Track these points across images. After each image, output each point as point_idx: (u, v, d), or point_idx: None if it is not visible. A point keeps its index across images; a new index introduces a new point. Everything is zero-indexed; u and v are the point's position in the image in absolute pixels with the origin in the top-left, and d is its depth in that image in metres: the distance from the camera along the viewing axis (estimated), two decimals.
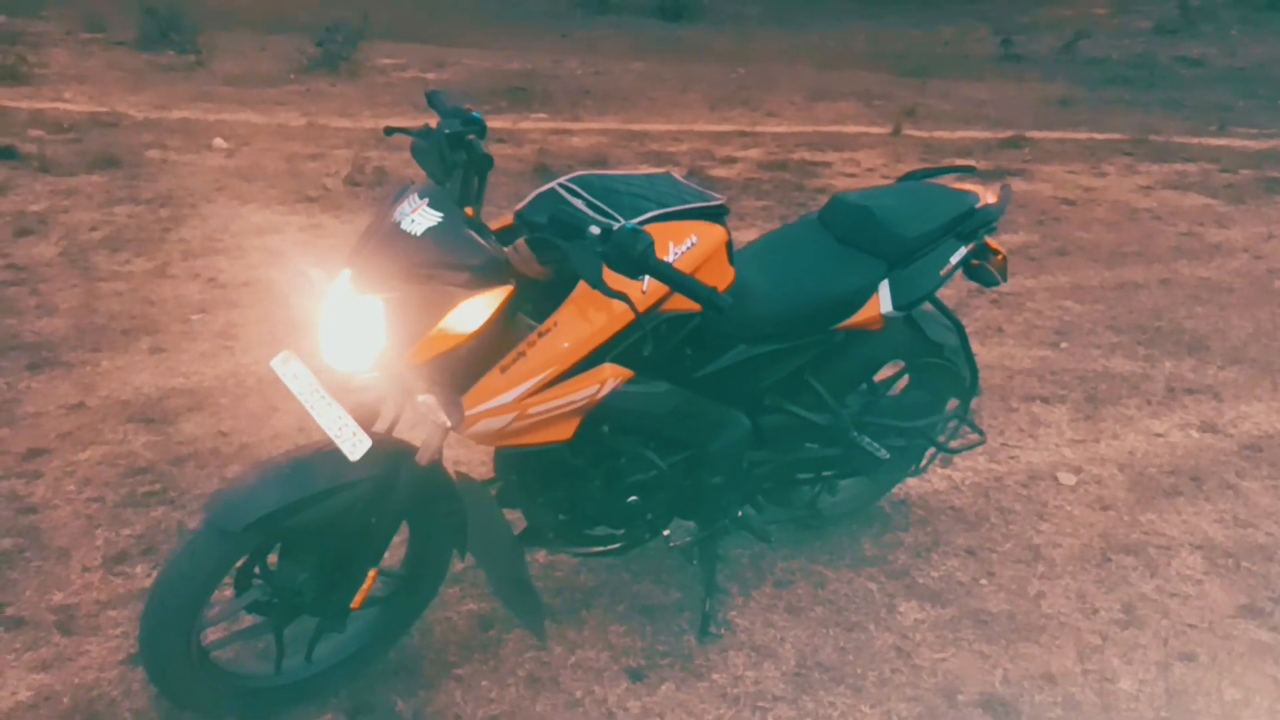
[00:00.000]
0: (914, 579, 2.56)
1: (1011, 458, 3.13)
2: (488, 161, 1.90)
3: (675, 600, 2.44)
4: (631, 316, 1.80)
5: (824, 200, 2.41)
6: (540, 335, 1.78)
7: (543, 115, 8.80)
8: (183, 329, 3.87)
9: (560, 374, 1.81)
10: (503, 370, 1.78)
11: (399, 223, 1.74)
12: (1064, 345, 3.96)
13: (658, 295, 1.88)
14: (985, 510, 2.86)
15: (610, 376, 1.86)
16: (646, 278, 1.74)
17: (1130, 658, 2.30)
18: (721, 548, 2.51)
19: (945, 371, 2.53)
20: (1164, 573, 2.61)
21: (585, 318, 1.81)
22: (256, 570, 1.91)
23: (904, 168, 6.75)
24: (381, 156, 6.47)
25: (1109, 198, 6.32)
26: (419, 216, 1.72)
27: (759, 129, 8.36)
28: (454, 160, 1.89)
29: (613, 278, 1.64)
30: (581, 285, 1.79)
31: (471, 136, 1.93)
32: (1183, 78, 12.26)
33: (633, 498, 2.13)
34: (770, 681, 2.21)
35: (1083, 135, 8.58)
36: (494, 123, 8.24)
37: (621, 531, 2.22)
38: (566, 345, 1.80)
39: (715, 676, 2.22)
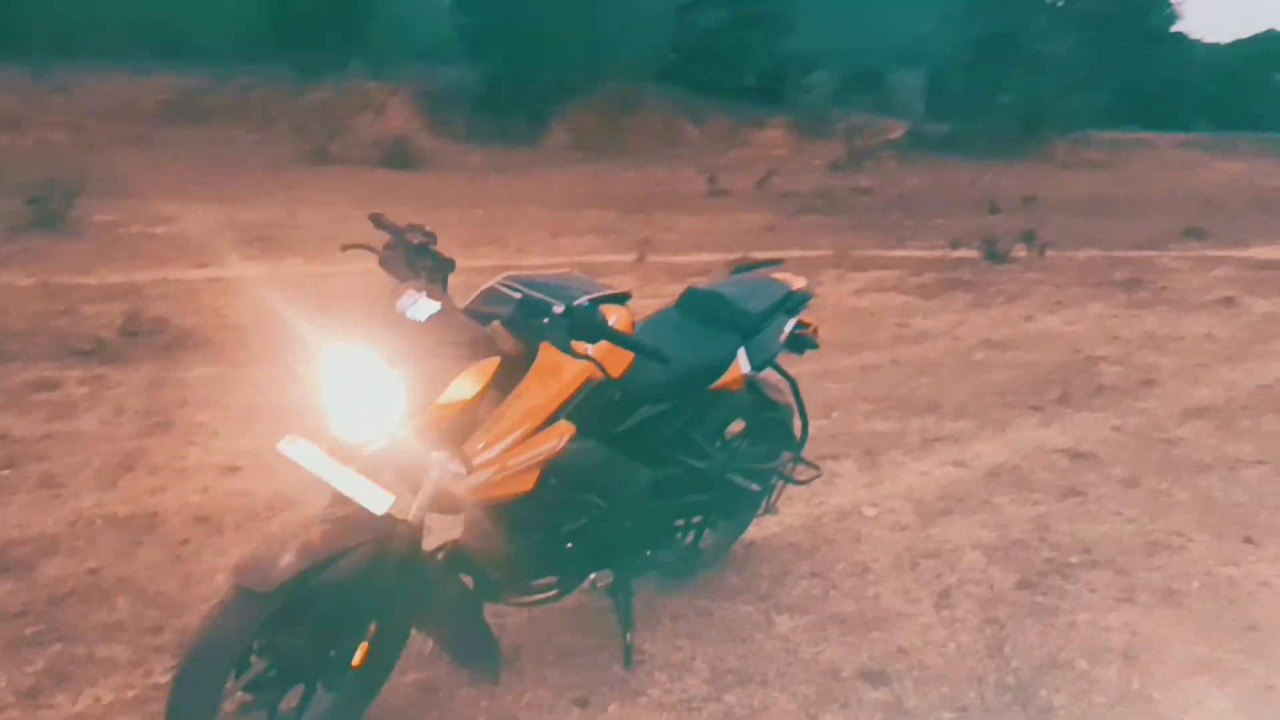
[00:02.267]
0: (779, 598, 3.06)
1: (821, 502, 3.76)
2: (450, 264, 2.28)
3: (592, 643, 2.77)
4: (582, 379, 2.24)
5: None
6: (516, 398, 2.16)
7: (299, 260, 8.92)
8: None
9: (532, 430, 2.18)
10: (488, 430, 2.13)
11: (404, 313, 2.08)
12: (835, 415, 4.74)
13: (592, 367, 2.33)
14: (815, 542, 3.44)
15: (565, 431, 2.26)
16: (590, 348, 2.19)
17: (954, 627, 2.92)
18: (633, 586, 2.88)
19: (780, 423, 3.12)
20: (958, 567, 3.29)
21: (549, 381, 2.21)
22: (255, 646, 2.07)
23: (654, 288, 7.63)
24: (155, 306, 6.38)
25: (831, 302, 7.46)
26: (420, 307, 2.08)
27: (515, 263, 8.98)
28: (420, 265, 2.26)
29: (575, 346, 2.08)
30: (542, 355, 2.20)
31: (430, 245, 2.31)
32: (859, 204, 14.45)
33: (569, 544, 2.49)
34: (695, 688, 2.59)
35: (795, 253, 9.94)
36: (248, 270, 8.28)
37: (555, 580, 2.56)
38: (537, 404, 2.18)
39: (650, 692, 2.57)
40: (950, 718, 2.50)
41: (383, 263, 2.32)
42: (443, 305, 2.09)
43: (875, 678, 2.66)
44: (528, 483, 2.26)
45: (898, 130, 23.65)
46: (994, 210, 13.17)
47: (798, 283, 3.09)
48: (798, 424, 3.15)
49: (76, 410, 4.56)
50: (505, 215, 11.99)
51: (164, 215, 10.58)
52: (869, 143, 21.28)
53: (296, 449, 2.10)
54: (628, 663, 2.67)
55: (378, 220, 2.46)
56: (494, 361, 2.10)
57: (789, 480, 3.12)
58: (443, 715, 2.48)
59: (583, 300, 2.29)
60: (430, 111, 21.26)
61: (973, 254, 9.76)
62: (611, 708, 2.51)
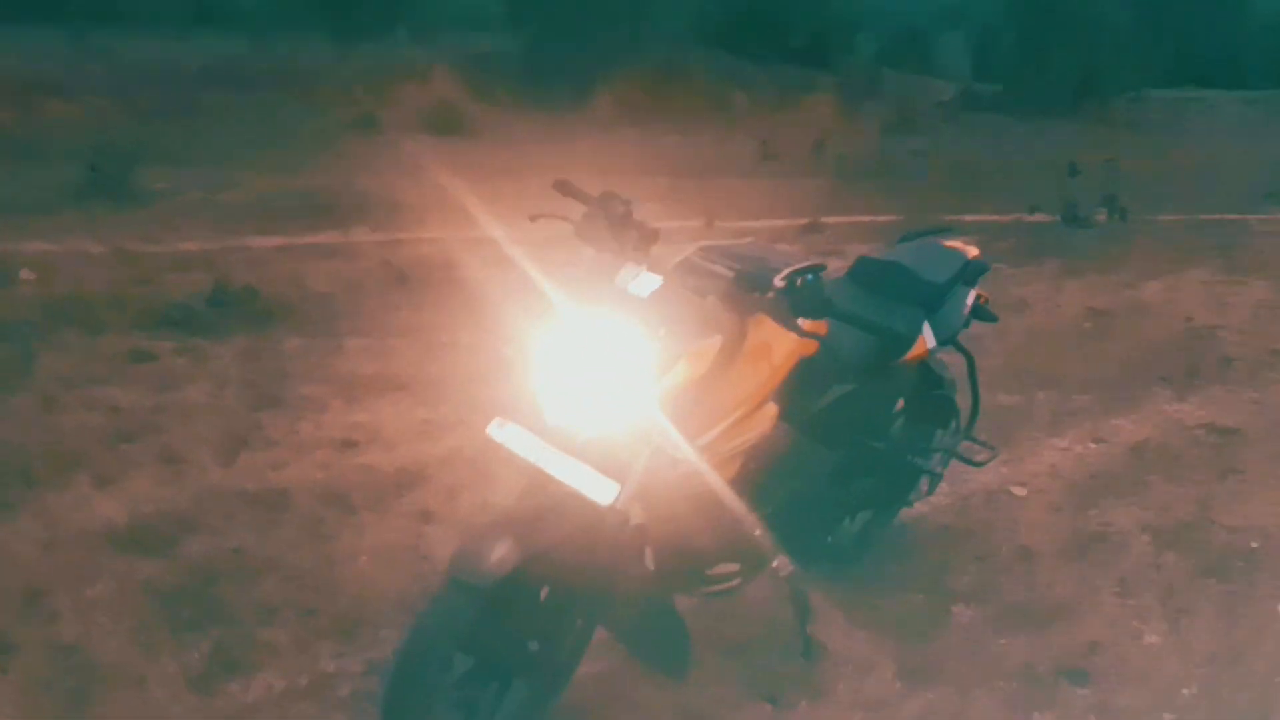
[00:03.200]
0: (949, 587, 2.91)
1: (965, 481, 3.58)
2: (655, 234, 2.13)
3: (761, 634, 2.64)
4: (795, 358, 2.08)
5: None
6: (731, 379, 2.01)
7: (365, 228, 8.80)
8: (116, 457, 3.64)
9: (749, 413, 2.03)
10: (705, 412, 1.98)
11: (626, 288, 1.93)
12: None
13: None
14: (970, 525, 3.28)
15: (772, 414, 2.11)
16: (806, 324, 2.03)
17: (1144, 618, 2.76)
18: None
19: (947, 400, 2.95)
20: (1130, 552, 3.12)
21: (761, 361, 2.06)
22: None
23: None
24: (236, 275, 6.28)
25: None
26: (642, 281, 1.93)
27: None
28: (623, 236, 2.11)
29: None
30: (754, 332, 2.04)
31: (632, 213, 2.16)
32: (917, 168, 14.09)
33: (757, 531, 2.34)
34: (885, 686, 2.46)
35: (865, 218, 9.71)
36: (318, 238, 8.20)
37: (737, 567, 2.42)
38: (752, 385, 2.03)
39: (838, 689, 2.44)
40: (1171, 718, 2.34)
41: (579, 233, 2.17)
42: (664, 281, 1.94)
43: (1075, 675, 2.50)
44: (731, 469, 2.11)
45: (947, 93, 23.10)
46: (1074, 173, 12.78)
47: (971, 251, 2.90)
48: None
49: (179, 382, 4.46)
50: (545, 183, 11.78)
51: (222, 182, 10.47)
52: (920, 105, 20.78)
53: (508, 433, 1.97)
54: (808, 653, 2.53)
55: (565, 187, 2.31)
56: (718, 340, 1.95)
57: (966, 461, 2.95)
58: (628, 710, 2.35)
59: (788, 272, 2.13)
60: (474, 79, 20.97)
61: (1051, 218, 9.46)
62: (802, 706, 2.38)
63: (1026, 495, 3.50)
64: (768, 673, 2.48)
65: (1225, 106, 24.69)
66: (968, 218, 9.80)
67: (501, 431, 1.98)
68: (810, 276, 1.92)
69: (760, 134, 16.09)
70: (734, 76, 23.42)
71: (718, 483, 2.09)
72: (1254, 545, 3.14)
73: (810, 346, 2.15)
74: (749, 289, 1.93)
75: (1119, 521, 3.30)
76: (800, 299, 1.90)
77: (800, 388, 2.26)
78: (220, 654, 2.49)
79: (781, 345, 2.09)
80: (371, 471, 3.68)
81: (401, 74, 20.05)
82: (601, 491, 1.85)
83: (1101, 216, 9.53)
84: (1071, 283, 6.95)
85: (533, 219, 2.36)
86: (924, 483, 3.02)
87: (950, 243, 2.95)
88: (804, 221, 9.16)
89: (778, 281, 1.92)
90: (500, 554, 1.84)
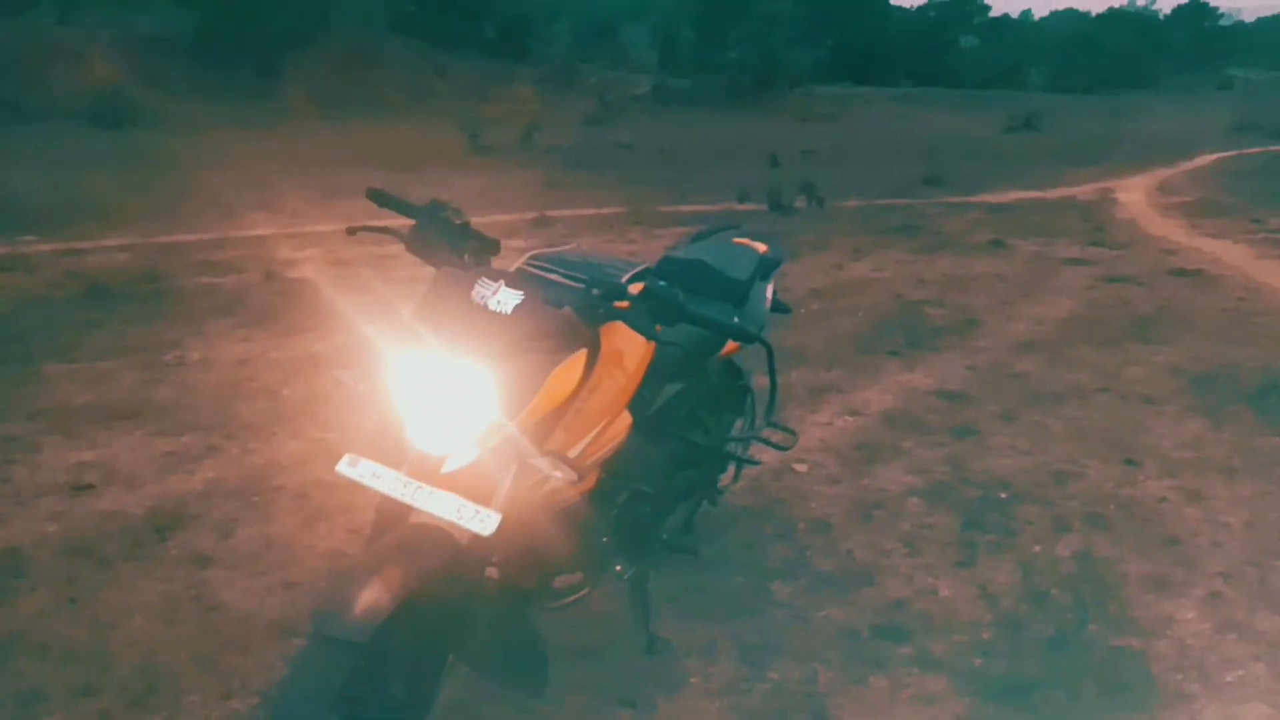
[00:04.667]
0: (762, 565, 3.03)
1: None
2: (496, 245, 2.00)
3: (607, 638, 2.61)
4: (646, 365, 2.06)
5: None
6: (591, 390, 1.94)
7: (33, 237, 7.71)
8: None
9: (609, 423, 1.98)
10: (566, 429, 1.90)
11: (484, 304, 1.79)
12: None
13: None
14: (766, 503, 3.44)
15: (628, 423, 2.08)
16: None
17: (933, 574, 3.03)
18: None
19: (748, 390, 3.07)
20: (908, 513, 3.41)
21: (615, 370, 2.01)
22: None
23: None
24: None
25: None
26: (502, 296, 1.80)
27: (298, 230, 8.25)
28: (463, 247, 1.97)
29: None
30: (605, 342, 1.99)
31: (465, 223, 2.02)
32: (626, 159, 14.58)
33: (605, 539, 2.31)
34: (731, 670, 2.51)
35: (590, 211, 9.88)
36: None
37: (582, 576, 2.37)
38: (610, 396, 1.98)
39: (691, 681, 2.46)
40: (981, 662, 2.58)
41: (411, 247, 2.00)
42: (526, 295, 1.83)
43: (894, 633, 2.70)
44: (593, 479, 2.06)
45: (642, 85, 24.07)
46: (775, 163, 13.70)
47: (761, 247, 3.02)
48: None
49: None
50: (259, 177, 10.98)
51: None
52: (618, 97, 21.48)
53: (364, 470, 1.77)
54: (654, 650, 2.54)
55: (381, 198, 2.13)
56: (584, 354, 1.88)
57: (773, 446, 3.07)
58: None
59: (632, 274, 2.11)
60: (139, 63, 18.98)
61: (758, 206, 10.14)
62: (660, 703, 2.38)
63: (807, 470, 3.72)
64: (621, 676, 2.45)
65: (877, 100, 27.74)
66: (684, 207, 10.27)
67: (355, 469, 1.78)
68: (663, 283, 1.90)
69: (466, 124, 15.86)
70: (431, 65, 22.97)
71: (579, 496, 2.03)
72: (1003, 496, 3.54)
73: (651, 354, 2.15)
74: (606, 298, 1.88)
75: (890, 487, 3.60)
76: (658, 305, 1.87)
77: (642, 390, 2.25)
78: None
79: (633, 352, 2.07)
80: (117, 517, 3.24)
81: (48, 54, 17.74)
82: (483, 523, 1.72)
83: (801, 203, 10.32)
84: (788, 266, 7.46)
85: (351, 232, 2.16)
86: (730, 469, 3.12)
87: (741, 240, 3.05)
88: (532, 216, 9.15)
89: (633, 290, 1.88)
90: (370, 602, 1.67)
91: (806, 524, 3.31)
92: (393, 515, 1.88)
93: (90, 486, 3.46)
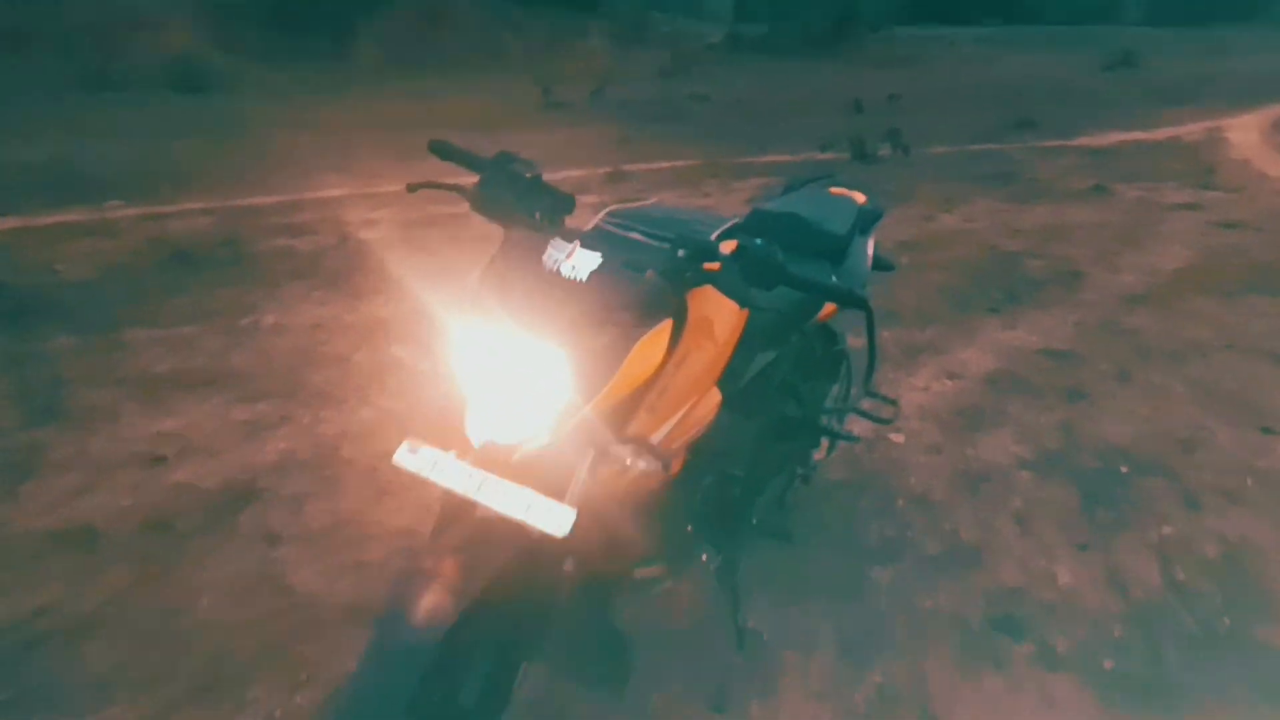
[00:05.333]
0: (859, 545, 2.80)
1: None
2: (570, 201, 1.79)
3: (693, 632, 2.42)
4: (738, 335, 1.83)
5: None
6: (678, 364, 1.73)
7: (119, 202, 7.76)
8: None
9: (698, 401, 1.77)
10: (650, 410, 1.70)
11: (557, 270, 1.58)
12: None
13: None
14: (861, 477, 3.20)
15: (718, 401, 1.86)
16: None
17: (1052, 558, 2.76)
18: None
19: (845, 356, 2.82)
20: (1018, 486, 3.14)
21: (705, 341, 1.78)
22: None
23: None
24: None
25: (732, 210, 7.18)
26: (577, 260, 1.59)
27: (373, 191, 8.17)
28: (534, 205, 1.76)
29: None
30: (692, 309, 1.77)
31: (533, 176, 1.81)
32: (702, 111, 14.17)
33: (690, 526, 2.11)
34: (831, 667, 2.30)
35: (665, 164, 9.58)
36: (67, 216, 7.18)
37: (664, 567, 2.18)
38: (699, 370, 1.76)
39: (786, 679, 2.26)
40: (1112, 664, 2.32)
41: (477, 205, 1.80)
42: (604, 258, 1.61)
43: (1010, 626, 2.45)
44: (679, 463, 1.86)
45: (715, 35, 23.44)
46: (858, 110, 13.19)
47: (859, 197, 2.75)
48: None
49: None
50: (335, 139, 10.95)
51: None
52: (691, 48, 20.96)
53: (422, 459, 1.59)
54: (740, 645, 2.35)
55: (444, 150, 1.93)
56: (669, 324, 1.66)
57: (873, 418, 2.82)
58: None
59: (723, 228, 1.87)
60: (217, 30, 19.17)
61: (841, 156, 9.72)
62: (753, 707, 2.18)
63: (904, 441, 3.46)
64: (709, 674, 2.27)
65: (961, 42, 26.56)
66: (763, 158, 9.91)
67: (414, 458, 1.60)
68: (759, 240, 1.66)
69: (540, 80, 15.66)
70: (502, 20, 22.69)
71: (662, 483, 1.83)
72: (1123, 468, 3.23)
73: (744, 322, 1.92)
74: (695, 259, 1.65)
75: (996, 458, 3.32)
76: (754, 266, 1.63)
77: (734, 362, 2.02)
78: None
79: (725, 320, 1.84)
80: (192, 490, 3.15)
81: (129, 22, 18.01)
82: (557, 521, 1.53)
83: (885, 151, 9.87)
84: None
85: (411, 190, 1.97)
86: (824, 443, 2.89)
87: (837, 190, 2.78)
88: (606, 170, 8.91)
89: (725, 250, 1.65)
90: (435, 606, 1.50)
91: (906, 499, 3.06)
92: (459, 506, 1.70)
93: (165, 459, 3.39)
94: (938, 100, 15.81)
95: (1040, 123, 12.31)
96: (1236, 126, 12.18)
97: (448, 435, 1.65)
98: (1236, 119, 12.84)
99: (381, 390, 3.94)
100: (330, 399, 3.89)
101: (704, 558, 2.25)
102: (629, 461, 1.60)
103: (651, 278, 1.62)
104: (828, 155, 9.77)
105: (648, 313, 1.61)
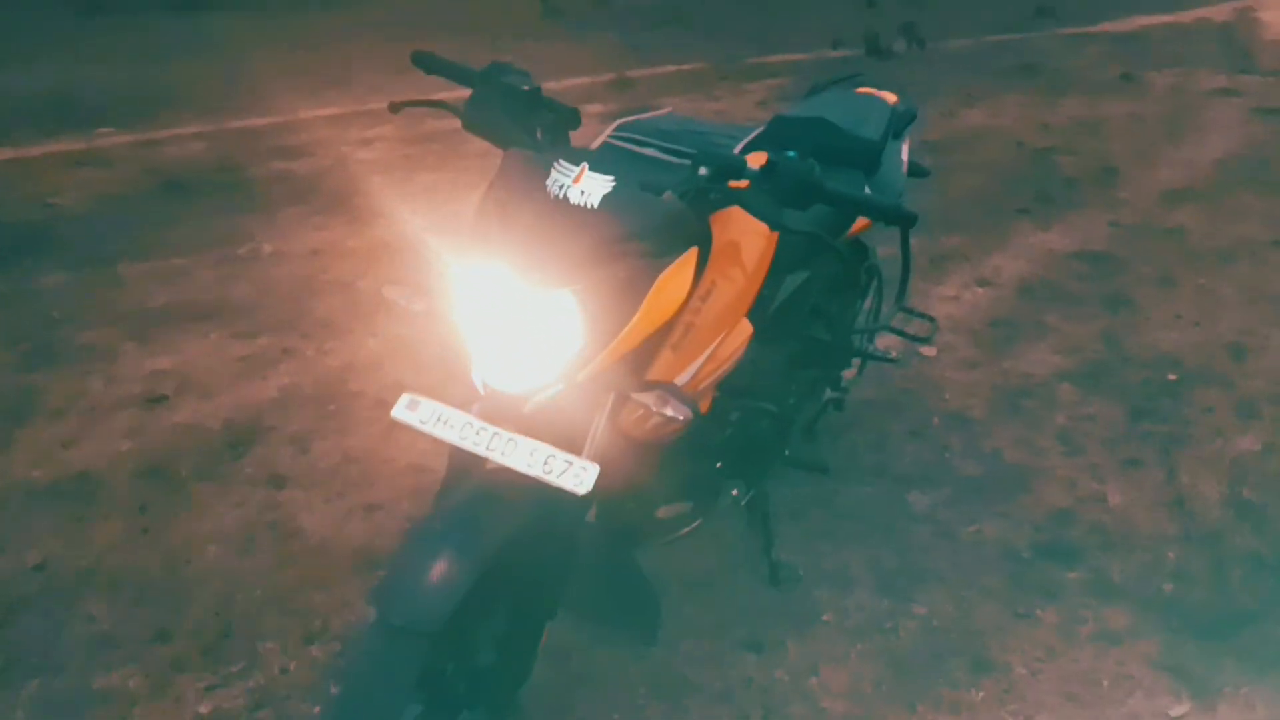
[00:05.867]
0: (895, 470, 2.65)
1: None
2: (575, 115, 1.59)
3: (726, 570, 2.29)
4: (769, 259, 1.64)
5: None
6: (703, 297, 1.54)
7: (109, 130, 7.51)
8: None
9: (725, 338, 1.59)
10: (674, 348, 1.52)
11: (564, 196, 1.39)
12: None
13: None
14: (893, 396, 3.04)
15: (748, 333, 1.68)
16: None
17: (1101, 477, 2.61)
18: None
19: (877, 271, 2.62)
20: (1061, 401, 2.97)
21: (731, 269, 1.60)
22: None
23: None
24: None
25: (750, 117, 6.88)
26: (586, 184, 1.39)
27: (369, 106, 7.87)
28: (536, 121, 1.56)
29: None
30: (717, 233, 1.57)
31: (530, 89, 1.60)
32: (706, 11, 13.59)
33: (719, 464, 1.96)
34: (869, 602, 2.18)
35: (671, 68, 9.21)
36: (55, 146, 6.95)
37: (690, 506, 2.03)
38: (728, 302, 1.58)
39: (824, 616, 2.14)
40: (1171, 588, 2.18)
41: (469, 123, 1.60)
42: (617, 180, 1.41)
43: (1061, 553, 2.31)
44: (707, 402, 1.69)
45: None
46: (870, 2, 12.63)
47: (890, 97, 2.51)
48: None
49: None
50: (330, 54, 10.56)
51: None
52: None
53: (424, 414, 1.42)
54: (778, 581, 2.22)
55: (428, 63, 1.71)
56: (693, 253, 1.47)
57: (909, 337, 2.63)
58: (596, 692, 1.96)
59: (740, 147, 1.67)
60: None
61: (854, 52, 9.30)
62: (791, 646, 2.06)
63: (937, 355, 3.28)
64: (743, 614, 2.14)
65: None
66: (773, 57, 9.51)
67: (415, 413, 1.43)
68: (791, 153, 1.46)
69: None
70: None
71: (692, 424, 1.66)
72: (1171, 378, 3.05)
73: (776, 239, 1.72)
74: (719, 177, 1.45)
75: (1036, 371, 3.15)
76: (787, 183, 1.43)
77: (763, 290, 1.84)
78: (49, 714, 1.89)
79: (754, 244, 1.65)
80: (193, 431, 3.02)
81: None
82: (578, 478, 1.36)
83: (900, 46, 9.45)
84: None
85: (394, 109, 1.76)
86: (854, 363, 2.72)
87: (866, 90, 2.54)
88: (609, 77, 8.56)
89: (752, 165, 1.45)
90: (443, 580, 1.35)
91: (943, 419, 2.90)
92: (467, 461, 1.54)
93: (164, 398, 3.25)
94: None
95: (1060, 9, 11.73)
96: (1270, 4, 11.60)
97: (450, 386, 1.48)
98: None
99: (388, 317, 3.78)
100: (334, 329, 3.73)
101: (734, 492, 2.10)
102: (653, 408, 1.43)
103: (671, 200, 1.43)
104: (839, 52, 9.35)
105: (669, 241, 1.42)
